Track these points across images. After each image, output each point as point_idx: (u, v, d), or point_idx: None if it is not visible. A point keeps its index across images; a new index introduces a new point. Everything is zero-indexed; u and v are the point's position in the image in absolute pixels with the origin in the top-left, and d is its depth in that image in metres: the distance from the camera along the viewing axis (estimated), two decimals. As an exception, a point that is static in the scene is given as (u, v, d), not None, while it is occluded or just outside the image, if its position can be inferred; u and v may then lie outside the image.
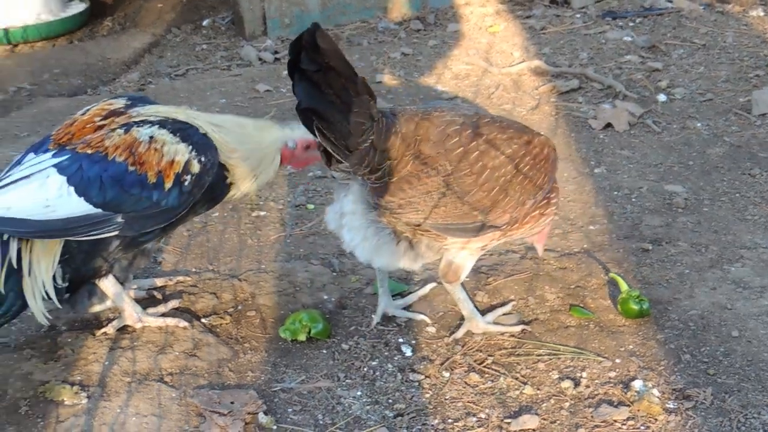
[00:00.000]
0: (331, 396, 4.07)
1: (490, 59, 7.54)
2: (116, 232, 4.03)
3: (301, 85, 3.78)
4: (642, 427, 3.78)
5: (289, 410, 4.00)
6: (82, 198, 3.93)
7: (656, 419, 3.81)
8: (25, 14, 9.64)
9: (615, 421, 3.81)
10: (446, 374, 4.16)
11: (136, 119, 4.09)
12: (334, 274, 4.88)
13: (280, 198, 5.69)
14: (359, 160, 3.88)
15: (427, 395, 4.05)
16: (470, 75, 7.28)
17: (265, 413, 3.94)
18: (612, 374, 4.07)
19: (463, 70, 7.40)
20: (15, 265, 4.02)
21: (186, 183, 4.00)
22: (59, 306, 4.19)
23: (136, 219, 4.02)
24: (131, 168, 3.95)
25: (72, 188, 3.92)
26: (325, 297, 4.70)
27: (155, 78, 8.30)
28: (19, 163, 4.10)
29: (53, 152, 4.03)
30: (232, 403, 3.97)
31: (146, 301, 4.63)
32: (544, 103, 6.75)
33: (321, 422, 3.94)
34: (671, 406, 3.87)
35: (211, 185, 4.12)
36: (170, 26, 9.52)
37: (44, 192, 3.93)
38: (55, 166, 3.96)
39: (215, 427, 3.87)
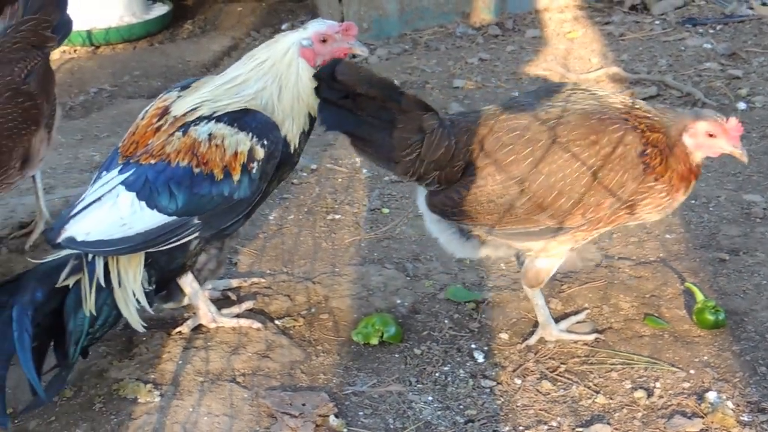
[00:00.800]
0: (402, 400, 4.08)
1: (568, 65, 7.52)
2: (196, 234, 4.06)
3: (323, 113, 3.98)
4: (719, 434, 3.76)
5: (360, 413, 4.02)
6: (155, 210, 3.95)
7: (731, 430, 3.77)
8: (108, 16, 9.77)
9: (687, 432, 3.78)
10: (518, 381, 4.14)
11: (192, 117, 4.05)
12: (408, 278, 4.88)
13: (356, 202, 5.70)
14: (404, 170, 4.00)
15: (499, 402, 4.04)
16: (548, 80, 7.25)
17: (336, 416, 3.95)
18: (686, 385, 4.03)
19: (540, 75, 7.38)
20: (103, 281, 4.06)
21: (254, 170, 3.99)
22: (151, 311, 4.23)
23: (212, 217, 4.04)
24: (197, 169, 3.96)
25: (143, 203, 3.95)
26: (399, 301, 4.70)
27: (233, 81, 8.35)
28: (100, 177, 4.14)
29: (119, 168, 4.06)
30: (303, 405, 3.99)
31: (221, 302, 4.66)
32: (621, 110, 6.70)
33: (392, 426, 3.94)
34: (746, 419, 3.83)
35: (283, 161, 4.11)
36: (249, 30, 9.59)
37: (117, 211, 3.96)
38: (122, 183, 3.99)
39: (286, 428, 3.89)
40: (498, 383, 4.14)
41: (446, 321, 4.53)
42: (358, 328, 4.43)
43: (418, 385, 4.16)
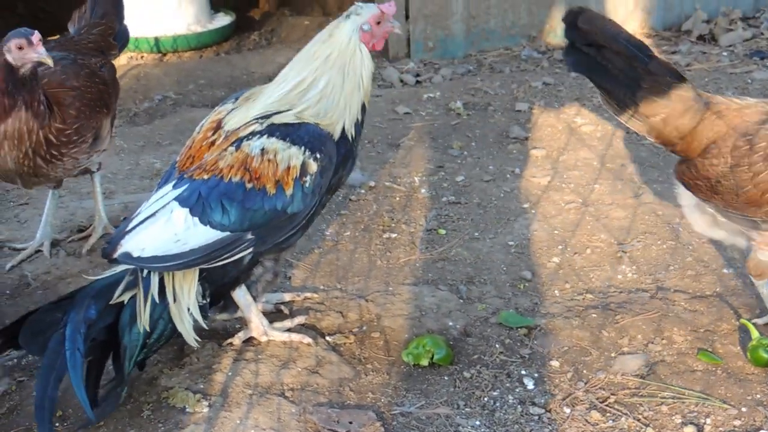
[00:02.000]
0: (449, 423, 4.06)
1: (633, 93, 7.47)
2: (250, 249, 4.07)
3: (569, 56, 4.36)
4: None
5: (407, 434, 4.02)
6: (208, 226, 3.97)
7: None
8: (176, 24, 9.87)
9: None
10: (567, 410, 4.12)
11: (251, 127, 4.07)
12: (461, 301, 4.87)
13: (412, 221, 5.70)
14: (646, 130, 4.27)
15: (546, 430, 4.01)
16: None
17: (383, 436, 3.96)
18: (737, 423, 3.98)
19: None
20: (157, 296, 4.09)
21: (307, 184, 3.99)
22: (204, 325, 4.25)
23: (266, 232, 4.05)
24: (249, 185, 3.96)
25: (196, 218, 3.96)
26: (450, 323, 4.69)
27: (297, 94, 8.38)
28: (156, 192, 4.18)
29: (173, 183, 4.09)
30: (350, 423, 3.99)
31: (273, 315, 4.68)
32: (684, 141, 6.66)
33: (438, 449, 3.94)
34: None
35: (337, 170, 4.13)
36: (315, 43, 9.62)
37: (172, 227, 3.98)
38: (176, 199, 4.01)
39: (332, 445, 3.89)
40: (547, 411, 4.12)
41: (497, 345, 4.52)
42: (408, 348, 4.42)
43: (466, 409, 4.15)
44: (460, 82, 8.21)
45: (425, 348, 4.38)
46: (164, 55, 9.70)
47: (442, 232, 5.56)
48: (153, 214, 4.03)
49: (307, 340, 4.46)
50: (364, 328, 4.65)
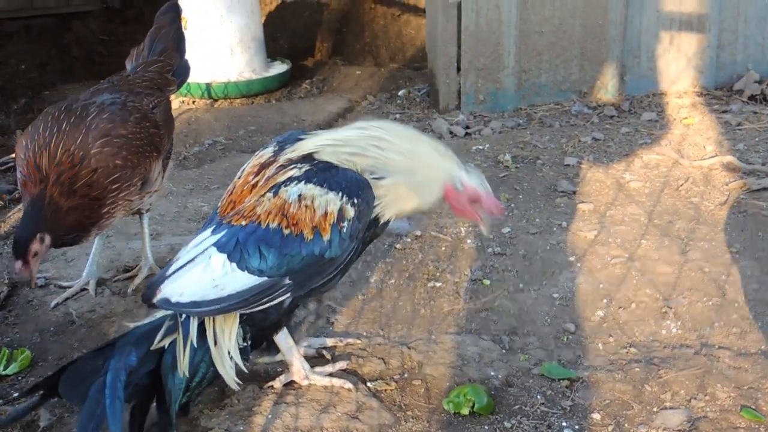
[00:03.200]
0: (488, 473, 4.05)
1: (682, 151, 7.46)
2: (288, 295, 4.08)
3: None
4: None
5: (445, 483, 4.00)
6: (245, 272, 3.98)
7: None
8: (228, 71, 9.96)
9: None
10: (607, 464, 4.10)
11: (289, 172, 4.10)
12: (504, 351, 4.85)
13: (457, 271, 5.70)
14: None
15: (586, 483, 4.00)
16: (660, 165, 7.21)
17: (422, 483, 3.95)
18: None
19: (653, 159, 7.33)
20: (196, 341, 4.11)
21: (344, 230, 4.00)
22: (245, 369, 4.25)
23: (304, 277, 4.05)
24: (286, 231, 3.98)
25: (234, 264, 3.98)
26: (492, 373, 4.67)
27: (347, 143, 8.42)
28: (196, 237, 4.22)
29: (212, 229, 4.13)
30: (389, 469, 3.98)
31: (315, 360, 4.68)
32: (733, 199, 6.63)
33: (476, 498, 3.92)
34: None
35: (374, 220, 4.14)
36: (366, 93, 9.69)
37: (210, 273, 4.00)
38: (214, 244, 4.04)
39: (370, 491, 3.88)
40: (587, 464, 4.10)
41: (539, 396, 4.50)
42: (449, 396, 4.41)
43: (506, 459, 4.14)
44: (510, 135, 8.22)
45: (466, 397, 4.37)
46: (215, 101, 9.79)
47: (487, 282, 5.55)
48: (192, 260, 4.06)
49: (348, 385, 4.46)
50: (406, 375, 4.64)
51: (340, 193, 4.00)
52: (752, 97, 8.78)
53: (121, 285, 5.55)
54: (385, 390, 4.53)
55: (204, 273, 4.01)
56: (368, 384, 4.55)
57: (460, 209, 4.22)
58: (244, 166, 4.32)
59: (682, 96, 8.81)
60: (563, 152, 7.67)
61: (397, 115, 9.04)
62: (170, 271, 4.09)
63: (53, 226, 4.66)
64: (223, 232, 4.05)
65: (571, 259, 5.82)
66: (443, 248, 5.99)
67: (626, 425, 4.31)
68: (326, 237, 3.98)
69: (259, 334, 4.32)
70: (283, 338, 4.37)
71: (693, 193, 6.75)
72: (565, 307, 5.26)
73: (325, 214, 3.98)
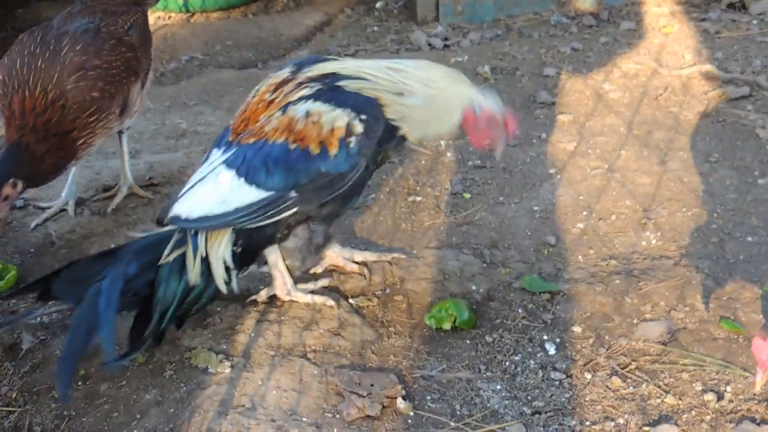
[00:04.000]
0: (470, 387, 4.08)
1: (661, 60, 7.42)
2: (295, 208, 4.10)
3: None
4: (784, 448, 3.71)
5: (428, 398, 4.02)
6: (252, 186, 4.02)
7: (799, 440, 3.73)
8: (204, -16, 9.84)
9: None
10: (588, 376, 4.13)
11: (301, 91, 4.12)
12: (485, 265, 4.87)
13: (438, 185, 5.69)
14: None
15: (567, 395, 4.02)
16: (639, 75, 7.18)
17: (404, 398, 3.97)
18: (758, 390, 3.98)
19: (632, 69, 7.30)
20: (204, 253, 4.18)
21: (352, 145, 4.02)
22: (234, 277, 4.29)
23: (310, 192, 4.07)
24: (293, 145, 4.00)
25: (242, 179, 4.03)
26: (474, 287, 4.69)
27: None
28: (208, 157, 4.26)
29: (222, 149, 4.18)
30: (372, 385, 4.01)
31: (297, 278, 4.68)
32: (711, 108, 6.62)
33: (458, 413, 3.95)
34: (817, 428, 3.79)
35: (384, 138, 4.13)
36: (344, 6, 9.59)
37: (218, 190, 4.06)
38: (223, 162, 4.10)
39: (353, 407, 3.91)
40: (568, 376, 4.13)
41: (520, 310, 4.52)
42: (431, 311, 4.43)
43: (488, 373, 4.16)
44: (488, 46, 8.17)
45: (448, 312, 4.39)
46: (192, 15, 9.68)
47: (467, 196, 5.55)
48: (203, 178, 4.13)
49: (330, 302, 4.48)
50: (388, 291, 4.66)
51: (348, 110, 4.02)
52: (731, 5, 8.71)
53: (101, 204, 5.54)
54: (367, 306, 4.55)
55: (213, 190, 4.07)
56: (350, 300, 4.57)
57: (478, 133, 4.23)
58: (258, 86, 4.32)
59: (661, 4, 8.74)
60: (542, 63, 7.62)
61: (375, 28, 8.97)
62: (183, 192, 4.17)
63: (28, 173, 4.65)
64: (233, 151, 4.11)
65: (551, 171, 5.82)
66: (423, 162, 5.98)
67: (607, 337, 4.34)
68: (333, 152, 4.01)
69: (250, 248, 4.33)
70: (271, 251, 4.39)
71: (672, 102, 6.73)
72: (546, 220, 5.27)
73: (332, 129, 4.00)
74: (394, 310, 4.53)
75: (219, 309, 4.44)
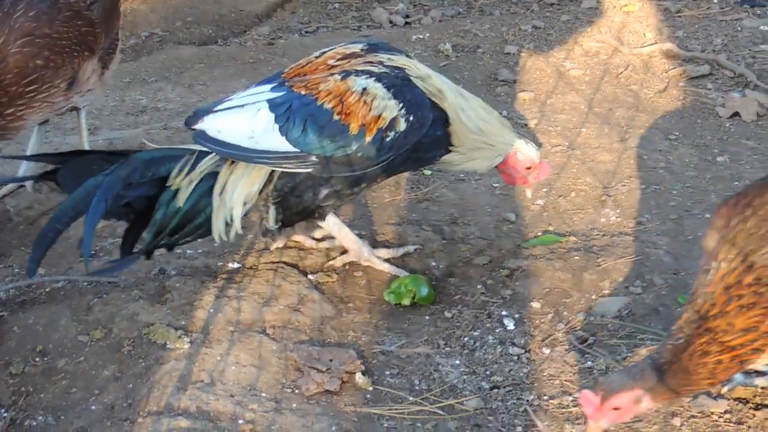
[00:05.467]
0: (429, 362, 4.09)
1: (622, 39, 7.44)
2: (311, 170, 4.15)
3: None
4: (738, 423, 3.73)
5: (387, 373, 4.03)
6: (284, 137, 4.09)
7: (754, 414, 3.75)
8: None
9: (712, 413, 3.76)
10: (546, 351, 4.14)
11: (367, 66, 4.19)
12: (444, 241, 4.87)
13: (398, 162, 5.68)
14: None
15: (525, 370, 4.04)
16: (600, 53, 7.20)
17: (363, 374, 3.98)
18: (714, 366, 4.01)
19: (593, 47, 7.31)
20: (206, 186, 4.23)
21: (388, 139, 4.08)
22: (240, 231, 4.31)
23: (332, 163, 4.13)
24: (336, 117, 4.08)
25: (277, 126, 4.09)
26: (433, 264, 4.70)
27: (285, 33, 8.35)
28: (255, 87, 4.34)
29: (272, 86, 4.23)
30: (331, 360, 4.01)
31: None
32: (672, 86, 6.65)
33: (417, 387, 3.96)
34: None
35: (421, 145, 4.20)
36: (306, -18, 9.55)
37: (253, 124, 4.12)
38: (268, 101, 4.15)
39: (312, 383, 3.91)
40: (526, 351, 4.14)
41: (479, 286, 4.53)
42: (390, 287, 4.44)
43: (446, 349, 4.17)
44: (450, 23, 8.16)
45: (407, 287, 4.40)
46: (152, -10, 9.62)
47: (428, 172, 5.54)
48: (242, 106, 4.19)
49: (403, 273, 4.56)
50: (347, 267, 4.65)
51: (401, 104, 4.10)
52: (692, -16, 8.75)
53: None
54: (327, 282, 4.55)
55: (248, 122, 4.13)
56: (310, 276, 4.57)
57: (513, 175, 4.43)
58: (326, 49, 4.39)
59: (623, -17, 8.77)
60: (503, 41, 7.62)
61: (336, 5, 8.94)
62: (218, 107, 4.22)
63: None
64: (281, 93, 4.17)
65: (512, 148, 5.82)
66: (384, 139, 5.96)
67: (565, 313, 4.36)
68: (368, 138, 4.08)
69: (288, 219, 4.38)
70: (333, 223, 4.48)
71: (633, 80, 6.76)
72: (506, 197, 5.27)
73: (378, 117, 4.07)
74: (353, 286, 4.53)
75: (177, 285, 4.42)
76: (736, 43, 7.30)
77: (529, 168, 4.38)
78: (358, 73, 4.14)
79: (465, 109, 4.25)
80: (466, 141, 4.27)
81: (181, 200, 4.18)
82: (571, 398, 3.87)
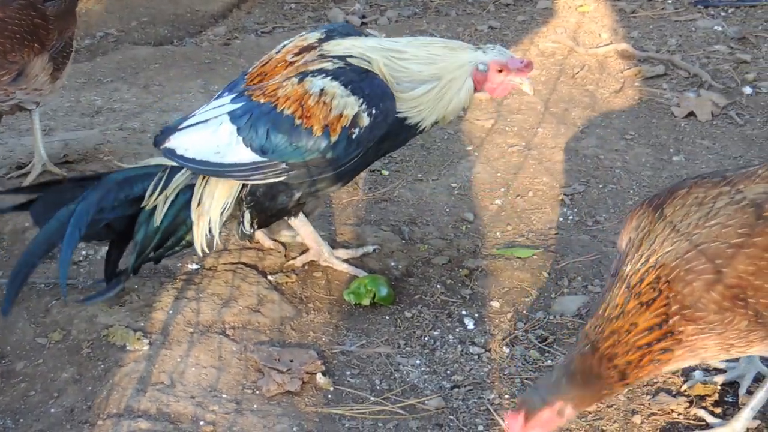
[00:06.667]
0: (389, 362, 4.09)
1: (578, 39, 7.48)
2: (283, 178, 4.14)
3: None
4: (698, 419, 3.75)
5: (347, 373, 4.03)
6: (249, 148, 4.07)
7: (714, 411, 3.77)
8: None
9: (672, 410, 3.78)
10: (506, 350, 4.16)
11: (323, 63, 4.13)
12: (403, 241, 4.87)
13: (356, 162, 5.68)
14: None
15: (486, 369, 4.05)
16: (556, 53, 7.23)
17: (324, 374, 3.98)
18: (673, 364, 4.04)
19: (549, 47, 7.34)
20: (183, 200, 4.24)
21: (353, 135, 4.05)
22: (219, 242, 4.36)
23: (302, 167, 4.11)
24: (298, 121, 4.04)
25: (240, 138, 4.08)
26: (393, 264, 4.70)
27: (241, 33, 8.34)
28: (218, 98, 4.33)
29: (232, 97, 4.22)
30: (291, 361, 4.01)
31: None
32: (627, 86, 6.69)
33: (378, 387, 3.96)
34: (730, 399, 3.85)
35: (390, 132, 4.14)
36: (263, -18, 9.53)
37: (216, 139, 4.11)
38: (229, 113, 4.13)
39: (273, 383, 3.90)
40: (486, 350, 4.16)
41: (438, 286, 4.54)
42: (350, 288, 4.44)
43: (407, 348, 4.17)
44: (406, 24, 8.17)
45: (367, 288, 4.40)
46: (106, -9, 9.56)
47: (386, 173, 5.55)
48: (206, 121, 4.17)
49: (362, 273, 4.55)
50: (306, 267, 4.64)
51: (361, 100, 4.04)
52: (646, -16, 8.80)
53: (15, 182, 5.44)
54: (286, 282, 4.54)
55: (212, 137, 4.12)
56: (269, 277, 4.55)
57: (496, 88, 4.23)
58: (285, 42, 4.37)
59: (577, -17, 8.81)
60: (460, 41, 7.63)
61: (292, 5, 8.94)
62: (183, 124, 4.21)
63: None
64: (241, 104, 4.14)
65: (469, 148, 5.84)
66: (341, 139, 5.96)
67: (524, 312, 4.38)
68: (333, 137, 4.04)
69: (262, 221, 4.38)
70: (301, 223, 4.47)
71: (588, 80, 6.79)
72: (464, 197, 5.29)
73: (340, 115, 4.03)
74: (313, 287, 4.53)
75: (136, 286, 4.40)
76: (690, 44, 7.35)
77: (501, 71, 4.18)
78: (314, 73, 4.10)
79: (409, 71, 4.15)
80: (429, 100, 4.16)
81: (159, 217, 4.19)
82: (531, 397, 3.89)
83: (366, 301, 4.39)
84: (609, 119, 6.14)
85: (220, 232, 4.28)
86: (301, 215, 4.42)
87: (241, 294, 4.40)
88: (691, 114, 6.24)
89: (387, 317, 4.36)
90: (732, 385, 3.90)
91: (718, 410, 3.79)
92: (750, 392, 3.75)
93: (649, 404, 3.82)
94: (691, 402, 3.82)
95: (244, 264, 4.61)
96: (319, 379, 3.95)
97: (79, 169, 5.53)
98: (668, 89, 6.61)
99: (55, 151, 5.69)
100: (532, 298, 4.46)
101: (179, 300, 4.35)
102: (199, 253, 4.29)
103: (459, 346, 4.18)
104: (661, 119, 6.22)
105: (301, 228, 4.50)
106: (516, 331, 4.26)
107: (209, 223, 4.21)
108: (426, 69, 4.15)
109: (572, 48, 7.28)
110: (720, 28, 7.60)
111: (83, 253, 4.71)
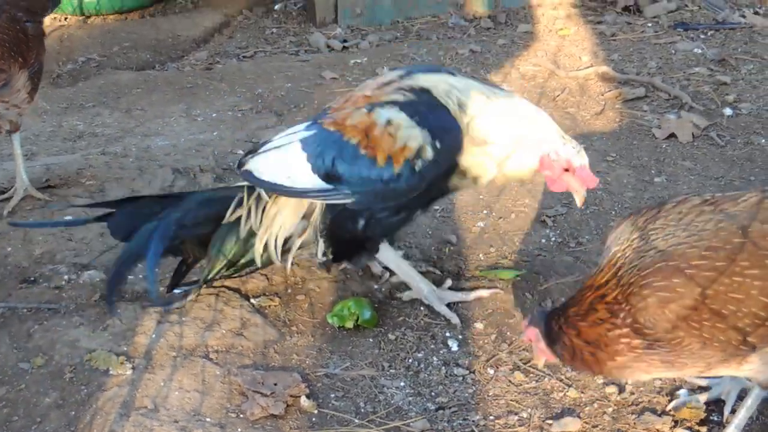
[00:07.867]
0: (374, 385, 4.09)
1: (558, 62, 7.51)
2: (347, 200, 4.18)
3: None
4: (685, 439, 3.77)
5: (332, 396, 4.03)
6: (316, 175, 4.14)
7: (699, 430, 3.78)
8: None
9: (657, 430, 3.79)
10: (491, 371, 4.16)
11: (394, 95, 4.13)
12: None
13: (338, 185, 5.68)
14: None
15: (470, 391, 4.05)
16: (537, 76, 7.26)
17: (308, 397, 3.97)
18: (658, 383, 4.04)
19: (530, 70, 7.37)
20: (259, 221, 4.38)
21: (417, 167, 4.05)
22: (278, 262, 4.46)
23: (365, 195, 4.15)
24: (362, 151, 4.08)
25: (309, 165, 4.16)
26: (376, 286, 4.70)
27: (223, 58, 8.33)
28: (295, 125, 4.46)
29: (306, 125, 4.32)
30: (275, 384, 4.00)
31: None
32: (608, 109, 6.71)
33: (362, 410, 3.95)
34: (715, 418, 3.86)
35: (451, 169, 4.15)
36: (242, 8, 9.53)
37: (287, 165, 4.22)
38: (300, 140, 4.22)
39: (257, 407, 3.89)
40: (470, 372, 4.15)
41: (422, 308, 4.54)
42: (333, 310, 4.44)
43: (391, 371, 4.17)
44: (387, 48, 8.19)
45: (350, 310, 4.40)
46: (88, 17, 9.55)
47: (368, 196, 5.54)
48: (279, 147, 4.30)
49: (456, 320, 4.49)
50: (289, 290, 4.65)
51: (427, 131, 4.04)
52: (626, 8, 8.84)
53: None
54: (269, 306, 4.54)
55: (283, 162, 4.24)
56: (252, 300, 4.55)
57: (554, 181, 4.14)
58: (369, 80, 4.44)
59: (557, 7, 8.85)
60: (441, 65, 7.66)
61: (274, 30, 8.95)
62: (263, 148, 4.35)
63: None
64: (313, 132, 4.23)
65: (451, 171, 5.84)
66: (324, 163, 5.96)
67: (508, 333, 4.38)
68: (397, 168, 4.05)
69: (338, 251, 4.43)
70: (391, 260, 4.56)
71: (569, 103, 6.81)
72: (447, 219, 5.29)
73: (404, 147, 4.04)
74: (296, 310, 4.53)
75: (119, 310, 4.39)
76: (670, 66, 7.39)
77: (567, 170, 4.09)
78: (383, 104, 4.11)
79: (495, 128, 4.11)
80: (503, 155, 4.13)
81: (235, 235, 4.37)
82: (516, 417, 3.89)
83: (349, 324, 4.39)
84: (590, 141, 6.15)
85: (291, 256, 4.41)
86: (388, 250, 4.47)
87: (224, 317, 4.39)
88: (672, 135, 6.26)
89: (371, 339, 4.36)
90: (717, 404, 3.90)
91: (703, 429, 3.79)
92: (734, 411, 3.75)
93: (634, 423, 3.82)
94: (676, 422, 3.82)
95: (227, 287, 4.61)
96: (304, 402, 3.94)
97: (61, 194, 5.52)
98: (649, 111, 6.64)
99: (36, 175, 5.68)
100: (516, 320, 4.45)
101: (162, 324, 4.34)
102: (258, 264, 4.45)
103: (443, 367, 4.18)
104: (642, 141, 6.24)
105: (391, 263, 4.57)
106: (500, 353, 4.26)
107: (275, 243, 4.35)
108: (510, 129, 4.11)
109: (553, 71, 7.31)
110: (700, 51, 7.65)
111: (65, 277, 4.69)
